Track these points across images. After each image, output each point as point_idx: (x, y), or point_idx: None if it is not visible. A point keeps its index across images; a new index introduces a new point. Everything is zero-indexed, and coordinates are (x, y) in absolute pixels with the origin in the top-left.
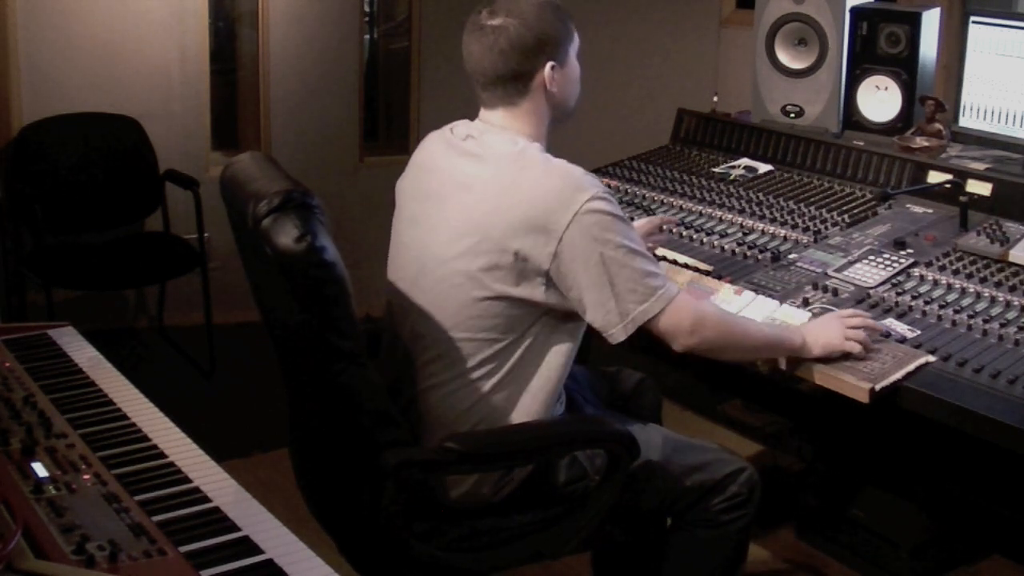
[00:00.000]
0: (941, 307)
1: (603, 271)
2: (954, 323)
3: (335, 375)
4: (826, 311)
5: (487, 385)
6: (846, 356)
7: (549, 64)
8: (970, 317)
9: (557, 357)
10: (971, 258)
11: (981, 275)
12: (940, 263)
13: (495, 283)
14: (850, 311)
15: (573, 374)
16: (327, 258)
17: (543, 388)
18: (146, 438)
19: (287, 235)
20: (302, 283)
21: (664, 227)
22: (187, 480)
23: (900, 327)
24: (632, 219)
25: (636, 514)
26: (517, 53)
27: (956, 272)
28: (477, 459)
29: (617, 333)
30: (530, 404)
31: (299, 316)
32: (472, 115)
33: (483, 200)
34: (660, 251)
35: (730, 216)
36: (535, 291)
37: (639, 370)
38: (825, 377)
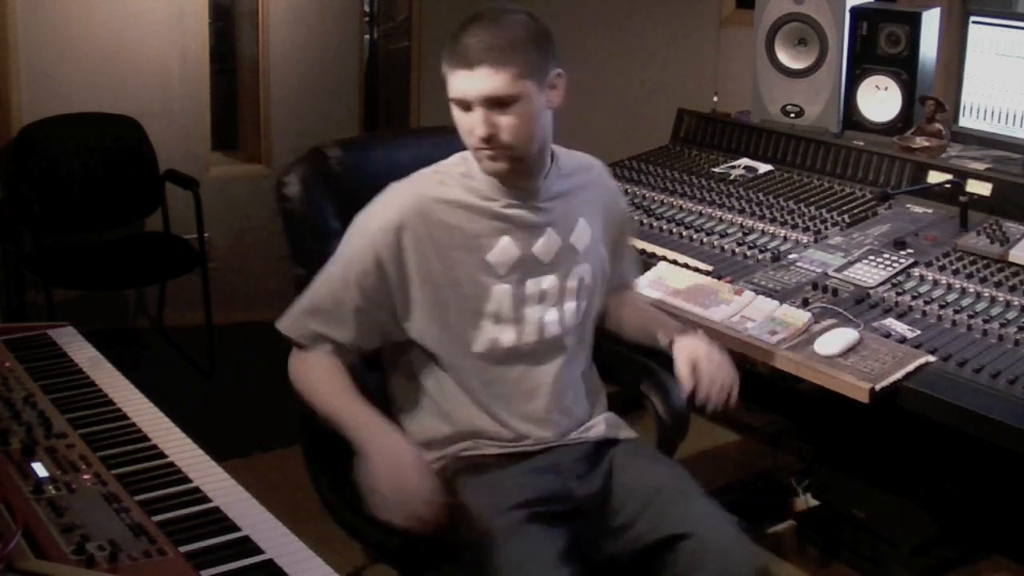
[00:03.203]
0: (941, 307)
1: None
2: (954, 323)
3: None
4: (826, 310)
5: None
6: None
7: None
8: (970, 317)
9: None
10: (971, 258)
11: (981, 275)
12: (940, 263)
13: None
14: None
15: None
16: None
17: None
18: (146, 438)
19: None
20: None
21: None
22: (187, 480)
23: (900, 327)
24: (632, 220)
25: None
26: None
27: (956, 272)
28: None
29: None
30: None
31: None
32: None
33: None
34: (661, 251)
35: (730, 216)
36: None
37: (638, 368)
38: (825, 377)
